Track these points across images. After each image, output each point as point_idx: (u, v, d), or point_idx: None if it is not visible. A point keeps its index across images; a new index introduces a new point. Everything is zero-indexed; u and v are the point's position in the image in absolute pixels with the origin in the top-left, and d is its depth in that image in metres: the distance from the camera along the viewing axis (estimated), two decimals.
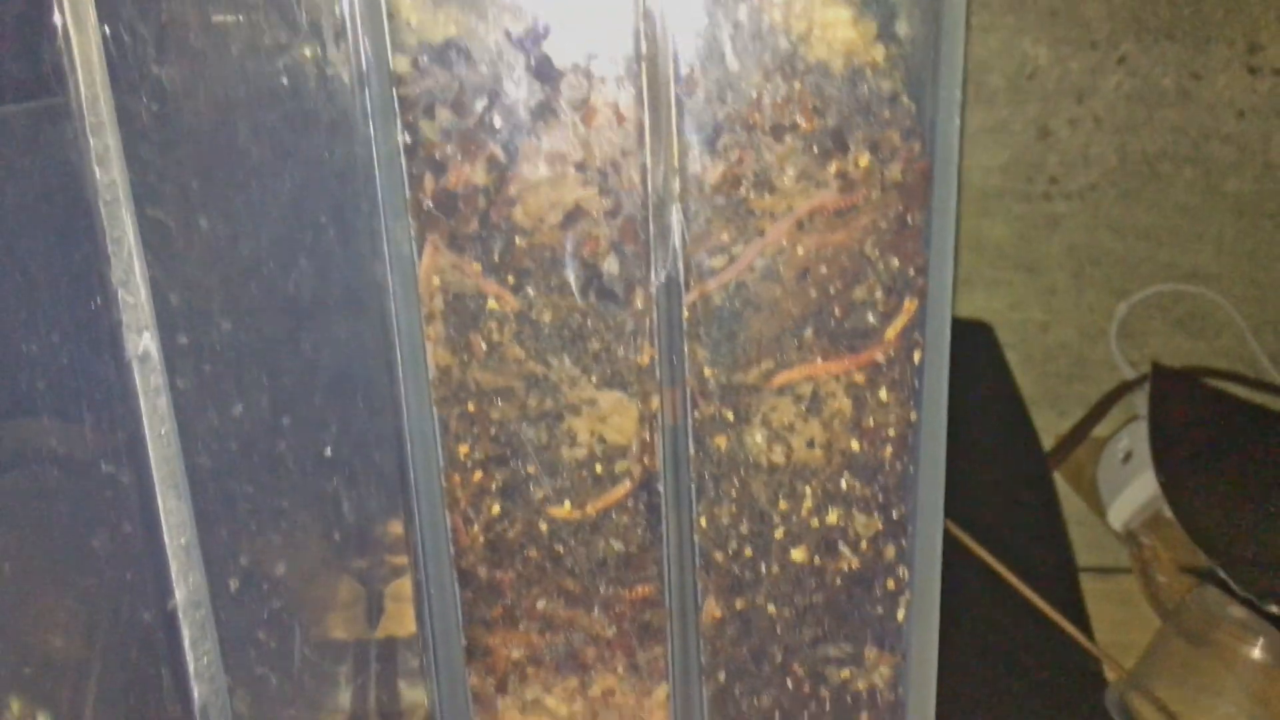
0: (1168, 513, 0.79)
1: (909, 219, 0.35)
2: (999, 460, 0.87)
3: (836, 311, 0.36)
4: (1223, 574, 0.68)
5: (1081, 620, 0.77)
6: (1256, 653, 0.65)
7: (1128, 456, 0.84)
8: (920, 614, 0.38)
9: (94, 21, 0.33)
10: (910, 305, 0.36)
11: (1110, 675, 0.68)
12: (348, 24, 0.33)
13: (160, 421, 0.36)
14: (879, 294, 0.36)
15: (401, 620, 0.42)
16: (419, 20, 0.34)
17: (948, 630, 0.70)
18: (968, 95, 0.92)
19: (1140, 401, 0.89)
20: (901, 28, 0.34)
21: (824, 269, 0.36)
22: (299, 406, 0.37)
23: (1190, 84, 0.93)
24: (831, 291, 0.36)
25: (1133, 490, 0.83)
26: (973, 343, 0.95)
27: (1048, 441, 0.97)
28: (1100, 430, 0.93)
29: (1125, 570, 0.84)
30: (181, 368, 0.36)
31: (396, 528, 0.38)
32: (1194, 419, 0.83)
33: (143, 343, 0.36)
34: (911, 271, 0.36)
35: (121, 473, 0.37)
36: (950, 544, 0.75)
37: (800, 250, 0.36)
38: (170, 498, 0.37)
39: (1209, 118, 0.94)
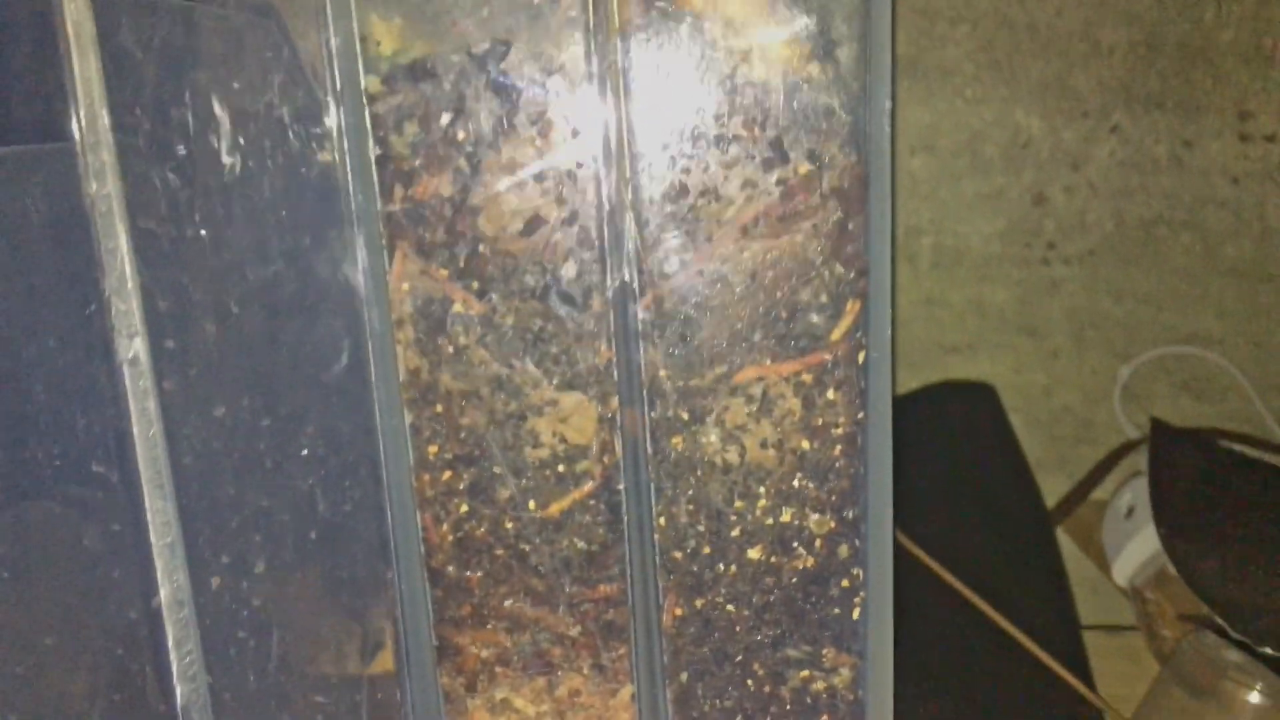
0: (1171, 569, 0.79)
1: (848, 224, 0.37)
2: (1003, 519, 0.88)
3: (784, 314, 0.38)
4: (1220, 620, 0.68)
5: (1084, 674, 0.77)
6: (1255, 697, 0.64)
7: (1130, 512, 0.85)
8: (876, 613, 0.39)
9: (93, 42, 0.36)
10: (853, 307, 0.38)
11: None
12: (323, 46, 0.36)
13: (148, 423, 0.39)
14: (823, 297, 0.38)
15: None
16: (388, 42, 0.37)
17: (951, 684, 0.70)
18: (964, 167, 0.94)
19: (1142, 459, 0.90)
20: (833, 45, 0.37)
21: (770, 273, 0.38)
22: (278, 408, 0.39)
23: (1183, 151, 0.96)
24: (778, 295, 0.38)
25: (1135, 545, 0.83)
26: (976, 405, 0.96)
27: (1054, 502, 0.98)
28: (1104, 491, 0.93)
29: (1133, 628, 0.84)
30: (169, 371, 0.39)
31: (371, 533, 0.40)
32: (1192, 471, 0.83)
33: (133, 347, 0.38)
34: (853, 274, 0.38)
35: (111, 472, 0.39)
36: (956, 600, 0.76)
37: (747, 255, 0.38)
38: (156, 497, 0.39)
39: (1203, 184, 0.96)
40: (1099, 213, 0.97)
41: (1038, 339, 1.01)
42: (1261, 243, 0.97)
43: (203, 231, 0.38)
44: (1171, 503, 0.78)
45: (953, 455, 0.90)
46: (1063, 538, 0.91)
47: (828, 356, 0.38)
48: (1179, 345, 0.99)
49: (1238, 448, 0.94)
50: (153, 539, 0.39)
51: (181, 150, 0.38)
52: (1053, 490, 1.00)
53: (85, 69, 0.36)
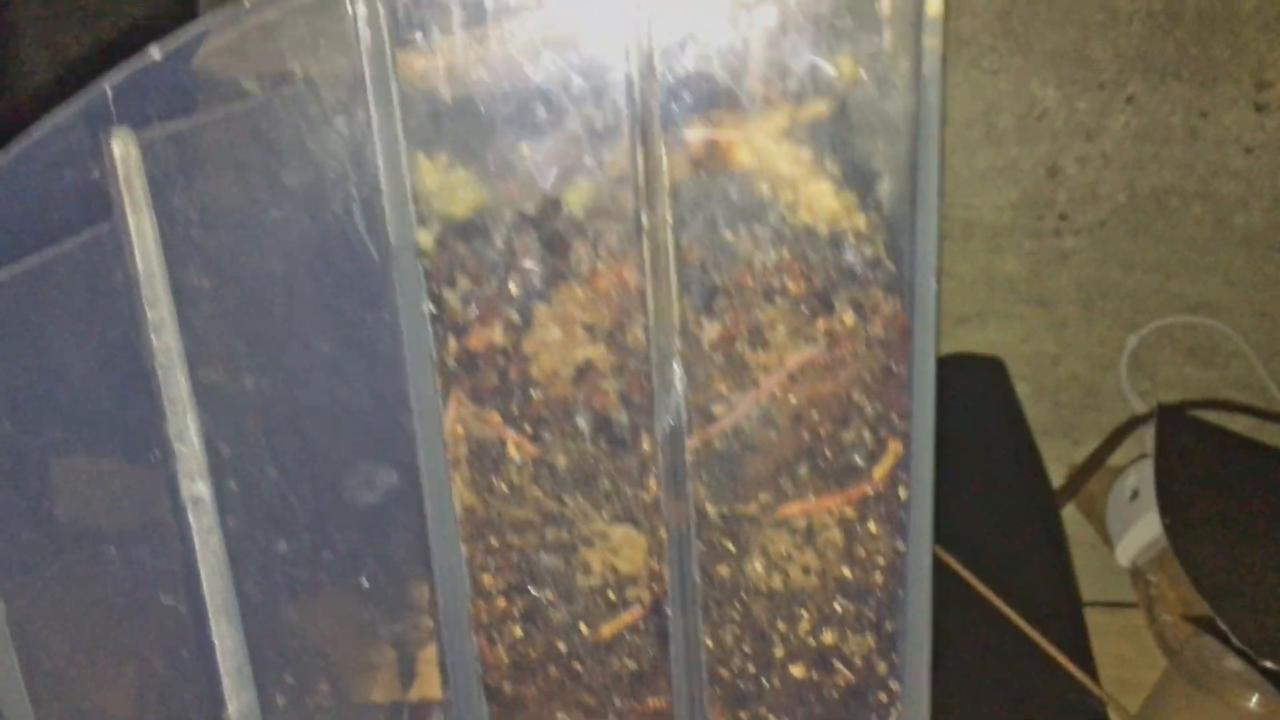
0: (1167, 542, 0.81)
1: (892, 368, 0.38)
2: (1006, 494, 0.89)
3: (828, 453, 0.39)
4: (1222, 624, 0.70)
5: (1086, 658, 0.80)
6: (1252, 705, 0.67)
7: (1135, 494, 0.87)
8: None
9: (147, 204, 0.36)
10: (895, 447, 0.39)
11: (1115, 718, 0.71)
12: (378, 204, 0.37)
13: (213, 557, 0.40)
14: (866, 436, 0.39)
15: None
16: (441, 199, 0.37)
17: (949, 668, 0.73)
18: (979, 138, 0.94)
19: (1148, 438, 0.91)
20: (880, 198, 0.37)
21: (815, 414, 0.39)
22: (338, 543, 0.41)
23: (1198, 122, 0.95)
24: (822, 434, 0.39)
25: (1139, 528, 0.85)
26: (983, 378, 0.98)
27: (1060, 468, 1.00)
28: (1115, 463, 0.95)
29: (1133, 605, 0.87)
30: (231, 509, 0.40)
31: (431, 653, 0.42)
32: (1200, 462, 0.85)
33: (197, 489, 0.39)
34: (895, 416, 0.39)
35: (179, 603, 0.41)
36: (954, 580, 0.78)
37: (792, 398, 0.39)
38: (222, 625, 0.41)
39: (1216, 154, 0.96)
40: (1112, 184, 0.97)
41: (1047, 308, 1.02)
42: (1272, 212, 0.98)
43: (260, 381, 0.39)
44: (1177, 494, 0.80)
45: (958, 430, 0.91)
46: (1072, 514, 0.93)
47: (869, 490, 0.39)
48: (1186, 314, 1.00)
49: (1247, 423, 0.96)
50: (220, 663, 0.41)
51: (238, 302, 0.38)
52: (1058, 456, 1.02)
53: (140, 224, 0.37)
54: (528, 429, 0.39)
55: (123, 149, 0.36)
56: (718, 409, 0.39)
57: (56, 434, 0.38)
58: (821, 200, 0.37)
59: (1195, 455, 0.85)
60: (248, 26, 0.35)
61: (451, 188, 0.37)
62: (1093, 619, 0.84)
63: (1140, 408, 0.98)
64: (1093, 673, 0.77)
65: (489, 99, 0.36)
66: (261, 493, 0.40)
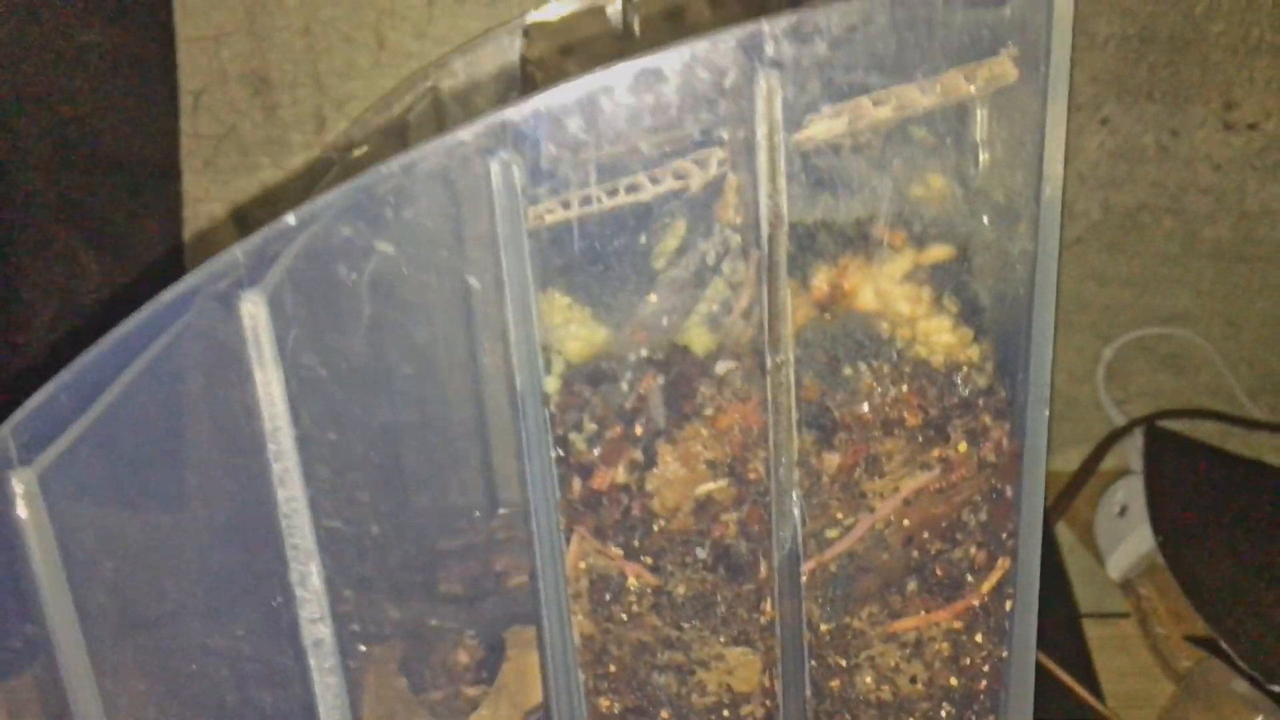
0: (1162, 561, 0.84)
1: (1003, 492, 0.40)
2: None
3: (937, 570, 0.41)
4: (1227, 648, 0.73)
5: (1089, 673, 0.83)
6: None
7: (1123, 510, 0.90)
8: None
9: (276, 363, 0.36)
10: (1004, 563, 0.40)
11: None
12: (505, 353, 0.37)
13: (333, 700, 0.40)
14: (975, 553, 0.41)
15: None
16: (566, 345, 0.38)
17: None
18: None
19: (1132, 451, 0.95)
20: (995, 330, 0.38)
21: (926, 534, 0.40)
22: (458, 677, 0.41)
23: (1169, 141, 0.98)
24: (932, 552, 0.41)
25: (1130, 544, 0.88)
26: None
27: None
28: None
29: (1124, 615, 0.90)
30: (353, 651, 0.40)
31: None
32: (1190, 480, 0.88)
33: (318, 632, 0.40)
34: (1004, 535, 0.40)
35: None
36: None
37: (906, 521, 0.40)
38: None
39: (1187, 172, 0.99)
40: (1087, 202, 1.00)
41: None
42: (1239, 226, 1.01)
43: (384, 525, 0.39)
44: (1171, 515, 0.83)
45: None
46: (1063, 531, 0.96)
47: (976, 603, 0.41)
48: (1159, 325, 1.03)
49: (1214, 435, 1.00)
50: None
51: (363, 452, 0.38)
52: None
53: (267, 381, 0.37)
54: (648, 560, 0.40)
55: (252, 310, 0.36)
56: (832, 533, 0.40)
57: (184, 586, 0.38)
58: (938, 335, 0.38)
59: (1185, 474, 0.88)
60: (380, 190, 0.35)
61: (577, 332, 0.38)
62: (1087, 632, 0.87)
63: (1118, 417, 1.01)
64: (1098, 691, 0.80)
65: (617, 247, 0.37)
66: (384, 634, 0.40)
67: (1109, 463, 0.99)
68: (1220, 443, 1.05)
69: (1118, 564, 0.89)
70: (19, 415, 0.36)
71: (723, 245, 0.38)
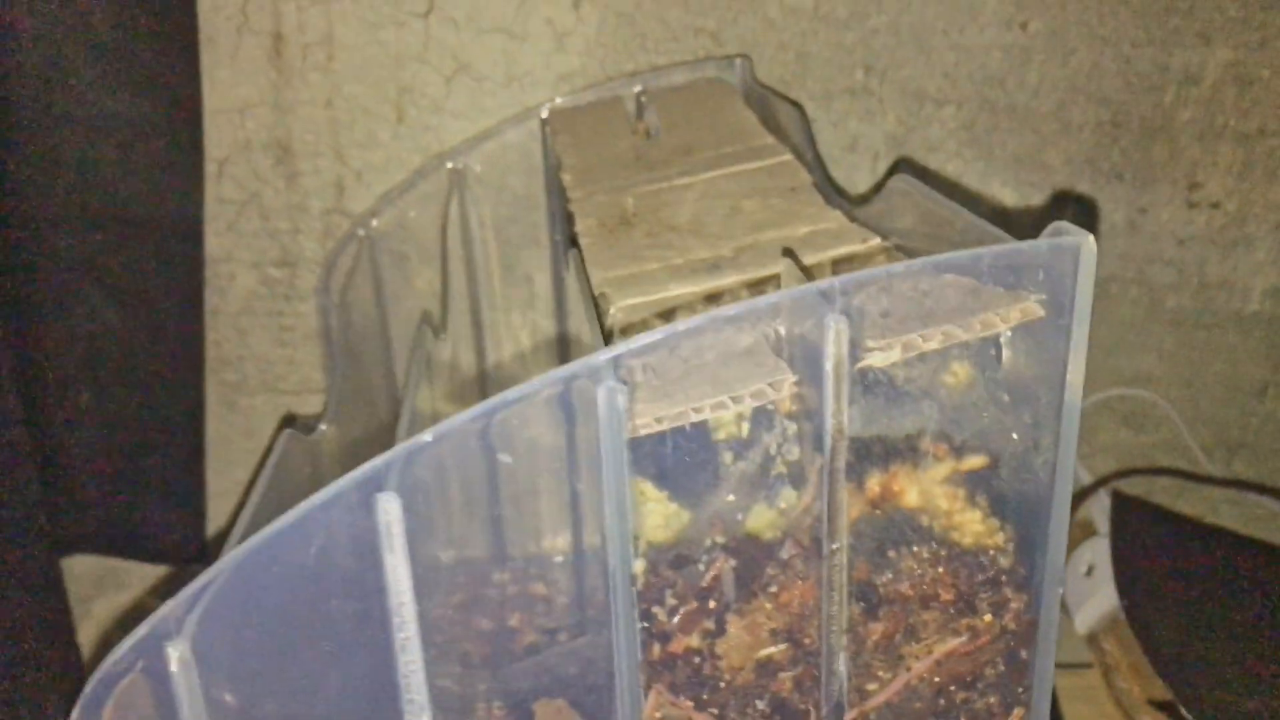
0: (1125, 621, 0.92)
1: (1020, 654, 0.46)
2: None
3: (962, 718, 0.47)
4: (1185, 713, 0.81)
5: None
6: None
7: (1090, 570, 0.97)
8: None
9: (404, 551, 0.42)
10: (1019, 713, 0.47)
11: None
12: (601, 541, 0.43)
13: None
14: (994, 702, 0.47)
15: None
16: (651, 533, 0.43)
17: None
18: None
19: (1098, 513, 1.02)
20: (1017, 520, 0.45)
21: (953, 688, 0.47)
22: None
23: (1137, 217, 1.05)
24: (958, 701, 0.47)
25: (1095, 602, 0.96)
26: None
27: None
28: None
29: (1090, 665, 0.97)
30: None
31: None
32: (1155, 545, 0.95)
33: None
34: (1020, 689, 0.47)
35: None
36: None
37: (936, 678, 0.46)
38: None
39: (1153, 245, 1.06)
40: None
41: None
42: (1199, 295, 1.09)
43: (491, 682, 0.45)
44: (1135, 580, 0.91)
45: None
46: None
47: None
48: (1123, 386, 1.11)
49: (1170, 488, 1.07)
50: None
51: (469, 624, 0.44)
52: None
53: (395, 566, 0.42)
54: (714, 711, 0.46)
55: (387, 507, 0.41)
56: (872, 687, 0.46)
57: None
58: (970, 525, 0.44)
59: (1149, 539, 0.96)
60: (506, 410, 0.40)
61: (658, 521, 0.44)
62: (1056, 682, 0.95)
63: (1085, 476, 1.08)
64: None
65: (702, 451, 0.43)
66: None
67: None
68: (1177, 495, 1.13)
69: (1084, 620, 0.97)
70: (182, 595, 0.42)
71: (782, 434, 0.44)
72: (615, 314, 0.49)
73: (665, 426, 0.42)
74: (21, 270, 0.95)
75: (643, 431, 0.42)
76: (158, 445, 1.04)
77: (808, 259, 0.58)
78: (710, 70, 0.95)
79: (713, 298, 0.50)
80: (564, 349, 0.94)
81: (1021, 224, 1.04)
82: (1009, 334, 0.42)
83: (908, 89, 1.00)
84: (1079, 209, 1.05)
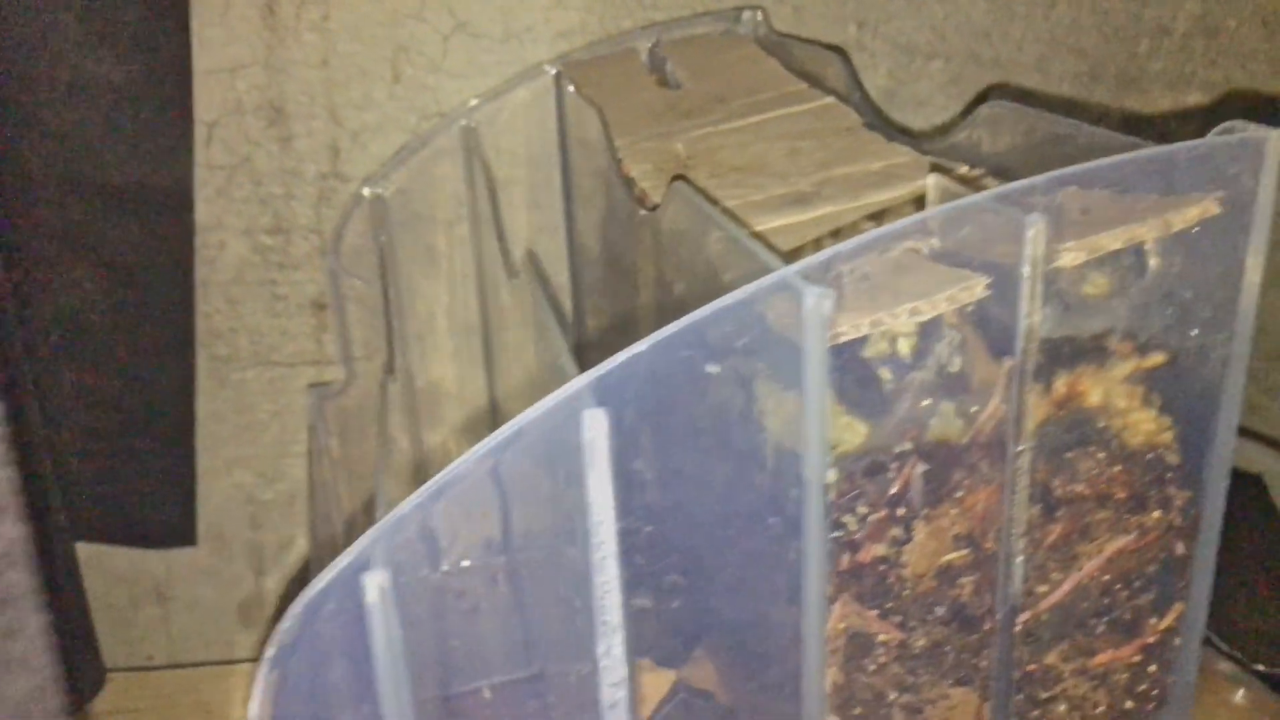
0: None
1: (1181, 548, 0.48)
2: None
3: (1126, 616, 0.48)
4: (1209, 632, 0.84)
5: None
6: (1238, 699, 0.81)
7: None
8: None
9: (607, 467, 0.41)
10: (1179, 607, 0.48)
11: None
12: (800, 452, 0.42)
13: None
14: (1155, 598, 0.48)
15: None
16: (848, 442, 0.44)
17: None
18: None
19: None
20: (1186, 417, 0.46)
21: (1118, 586, 0.48)
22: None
23: None
24: (1122, 599, 0.48)
25: None
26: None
27: None
28: None
29: None
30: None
31: None
32: None
33: (615, 695, 0.45)
34: (1180, 584, 0.48)
35: None
36: None
37: (1105, 576, 0.48)
38: None
39: None
40: None
41: None
42: None
43: (685, 601, 0.44)
44: None
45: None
46: None
47: (1152, 640, 0.49)
48: None
49: None
50: None
51: (672, 541, 0.44)
52: None
53: (598, 482, 0.41)
54: (896, 619, 0.46)
55: (593, 423, 0.40)
56: (1043, 589, 0.47)
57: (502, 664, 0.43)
58: (1143, 424, 0.46)
59: None
60: (703, 324, 0.40)
61: (855, 434, 0.44)
62: None
63: None
64: None
65: (902, 365, 0.43)
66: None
67: None
68: None
69: None
70: (374, 532, 0.40)
71: (950, 343, 0.45)
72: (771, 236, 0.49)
73: (867, 332, 0.42)
74: None
75: (841, 339, 0.42)
76: (146, 424, 1.00)
77: (893, 192, 0.59)
78: (708, 24, 0.95)
79: (874, 217, 0.50)
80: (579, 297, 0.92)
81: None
82: (1194, 232, 0.43)
83: (898, 43, 1.02)
84: None
